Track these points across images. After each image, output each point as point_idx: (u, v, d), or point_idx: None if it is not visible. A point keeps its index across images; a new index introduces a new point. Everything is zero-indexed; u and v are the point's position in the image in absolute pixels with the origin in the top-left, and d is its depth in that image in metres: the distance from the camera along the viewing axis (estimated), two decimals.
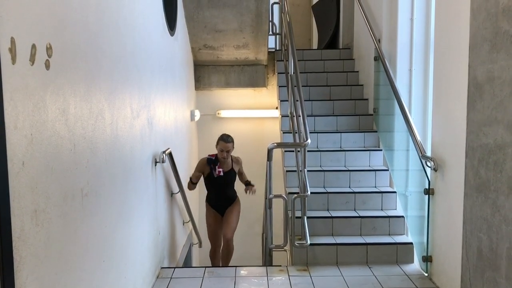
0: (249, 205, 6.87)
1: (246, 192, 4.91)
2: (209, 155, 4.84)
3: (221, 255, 5.00)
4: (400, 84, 4.49)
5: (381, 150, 4.89)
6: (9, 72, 1.41)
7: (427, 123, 4.14)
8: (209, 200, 4.99)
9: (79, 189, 1.97)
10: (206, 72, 6.67)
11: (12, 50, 1.42)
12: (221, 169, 4.75)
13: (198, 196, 6.94)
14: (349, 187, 4.56)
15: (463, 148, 2.91)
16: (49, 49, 1.67)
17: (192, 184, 4.82)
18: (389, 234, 4.10)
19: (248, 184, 4.94)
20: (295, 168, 4.35)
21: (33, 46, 1.55)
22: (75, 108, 1.93)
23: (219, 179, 4.78)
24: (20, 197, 1.47)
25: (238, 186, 5.06)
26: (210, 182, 4.86)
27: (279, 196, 3.98)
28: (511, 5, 2.32)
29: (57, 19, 1.76)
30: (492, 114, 2.53)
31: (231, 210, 4.92)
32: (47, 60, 1.65)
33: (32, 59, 1.55)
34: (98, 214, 2.23)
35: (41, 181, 1.62)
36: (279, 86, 5.91)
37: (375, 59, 4.93)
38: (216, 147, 4.75)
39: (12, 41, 1.42)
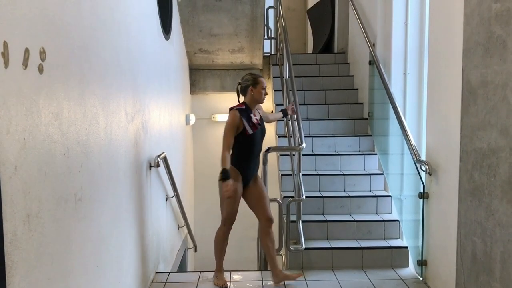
0: (245, 209, 6.86)
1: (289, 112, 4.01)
2: (236, 107, 3.51)
3: (264, 245, 3.64)
4: (395, 88, 4.50)
5: (376, 154, 4.90)
6: (1, 76, 1.40)
7: (421, 127, 4.15)
8: (242, 168, 3.53)
9: (72, 193, 1.96)
10: (201, 76, 6.67)
11: (5, 54, 1.42)
12: (257, 117, 3.54)
13: (193, 200, 6.93)
14: (344, 191, 4.56)
15: (457, 152, 2.92)
16: (42, 53, 1.66)
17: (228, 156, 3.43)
18: (384, 238, 4.11)
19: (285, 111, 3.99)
20: (290, 172, 4.35)
21: (26, 50, 1.55)
22: (69, 112, 1.92)
23: (257, 132, 3.50)
24: (13, 202, 1.46)
25: None
26: (245, 141, 3.48)
27: (274, 200, 3.98)
28: (504, 10, 2.34)
29: (50, 23, 1.76)
30: (485, 118, 2.55)
31: (259, 181, 3.67)
32: (40, 64, 1.65)
33: (25, 63, 1.54)
34: (91, 218, 2.22)
35: (34, 185, 1.61)
36: (274, 90, 5.92)
37: (370, 63, 4.95)
38: (251, 89, 3.49)
39: (5, 45, 1.41)
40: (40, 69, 1.65)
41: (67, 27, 1.93)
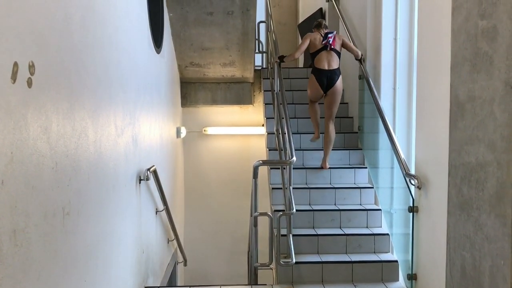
0: (235, 222, 6.84)
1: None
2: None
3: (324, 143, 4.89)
4: (384, 103, 4.54)
5: (366, 167, 4.92)
6: None
7: (411, 141, 4.18)
8: None
9: (60, 208, 1.94)
10: (192, 89, 6.68)
11: None
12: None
13: (183, 214, 6.89)
14: (335, 204, 4.56)
15: (446, 166, 2.94)
16: (31, 67, 1.66)
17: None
18: (374, 252, 4.10)
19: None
20: (280, 186, 4.35)
21: (15, 64, 1.55)
22: (58, 126, 1.91)
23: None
24: None
25: None
26: None
27: (265, 214, 3.97)
28: (490, 27, 2.38)
29: (40, 37, 1.76)
30: (473, 133, 2.57)
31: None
32: (29, 78, 1.64)
33: (14, 77, 1.54)
34: (79, 233, 2.20)
35: (21, 200, 1.59)
36: (265, 104, 5.94)
37: (360, 77, 4.99)
38: None
39: None
40: (29, 83, 1.65)
41: (57, 41, 1.93)
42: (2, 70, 1.47)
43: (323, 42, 4.72)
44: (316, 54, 4.76)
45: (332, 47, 4.68)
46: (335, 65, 4.69)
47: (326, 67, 4.67)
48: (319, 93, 4.77)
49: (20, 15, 1.60)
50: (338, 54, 4.75)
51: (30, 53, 1.66)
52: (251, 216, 4.12)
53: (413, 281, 3.57)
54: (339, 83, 4.70)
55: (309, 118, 5.64)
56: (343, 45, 4.82)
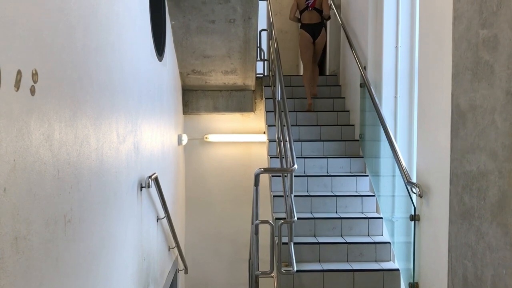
0: (236, 230, 6.83)
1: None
2: None
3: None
4: (386, 111, 4.55)
5: (367, 175, 4.91)
6: None
7: (412, 150, 4.18)
8: None
9: (62, 215, 1.95)
10: (194, 97, 6.69)
11: None
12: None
13: (184, 221, 6.88)
14: (336, 212, 4.56)
15: (447, 174, 2.94)
16: (34, 75, 1.67)
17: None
18: (375, 261, 4.09)
19: None
20: (282, 194, 4.35)
21: (19, 72, 1.56)
22: (60, 133, 1.92)
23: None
24: (1, 224, 1.45)
25: None
26: None
27: (266, 222, 3.96)
28: (491, 36, 2.39)
29: (43, 45, 1.77)
30: (475, 141, 2.57)
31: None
32: (32, 86, 1.65)
33: (17, 85, 1.55)
34: (81, 240, 2.20)
35: (23, 207, 1.60)
36: (267, 111, 5.95)
37: (361, 85, 5.00)
38: None
39: None
40: (32, 91, 1.66)
41: (60, 49, 1.94)
42: (6, 78, 1.48)
43: (306, 3, 5.90)
44: (302, 13, 5.98)
45: (311, 8, 5.86)
46: (316, 20, 5.88)
47: (310, 22, 5.87)
48: (309, 42, 5.86)
49: (24, 24, 1.62)
50: (319, 12, 5.86)
51: (33, 61, 1.67)
52: (252, 224, 4.12)
53: None
54: (323, 32, 5.93)
55: (309, 125, 5.68)
56: (322, 3, 5.89)
